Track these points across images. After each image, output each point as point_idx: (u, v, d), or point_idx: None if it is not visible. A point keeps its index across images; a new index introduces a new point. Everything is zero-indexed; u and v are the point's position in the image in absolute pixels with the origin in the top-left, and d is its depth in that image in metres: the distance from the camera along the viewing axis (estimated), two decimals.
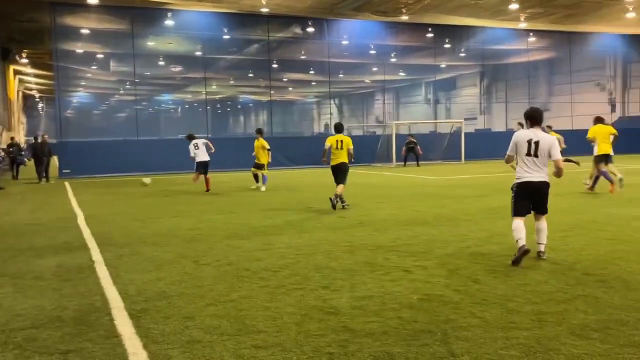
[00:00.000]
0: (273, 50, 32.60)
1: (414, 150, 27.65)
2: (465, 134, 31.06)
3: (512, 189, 6.97)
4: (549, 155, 6.69)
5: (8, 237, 9.26)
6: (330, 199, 11.80)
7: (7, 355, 4.09)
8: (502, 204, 12.12)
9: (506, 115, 42.71)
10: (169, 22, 28.23)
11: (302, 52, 36.02)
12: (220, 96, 52.78)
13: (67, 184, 20.58)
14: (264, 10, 26.56)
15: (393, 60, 37.09)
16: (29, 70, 42.45)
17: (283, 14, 28.31)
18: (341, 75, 41.38)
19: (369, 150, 29.97)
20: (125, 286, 5.97)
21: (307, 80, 46.93)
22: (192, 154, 16.21)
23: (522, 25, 31.73)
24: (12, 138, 30.75)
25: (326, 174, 23.33)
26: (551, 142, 6.72)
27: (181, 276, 6.38)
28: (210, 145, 16.45)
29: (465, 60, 39.08)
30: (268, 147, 16.72)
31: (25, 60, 37.84)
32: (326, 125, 56.15)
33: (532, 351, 3.98)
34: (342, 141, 11.92)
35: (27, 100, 62.20)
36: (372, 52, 34.92)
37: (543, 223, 6.84)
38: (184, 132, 19.17)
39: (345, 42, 32.88)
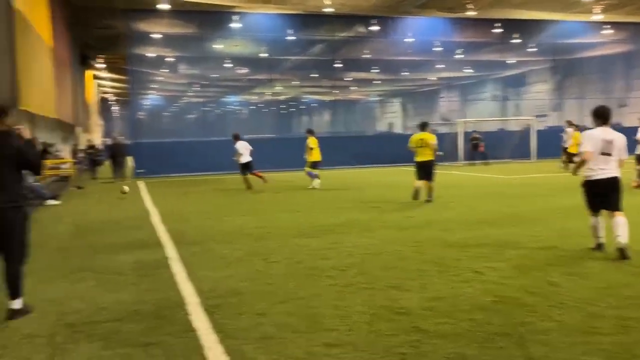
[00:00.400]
0: (337, 49, 32.72)
1: (477, 147, 27.02)
2: (537, 131, 30.09)
3: (582, 186, 6.94)
4: (621, 154, 6.76)
5: (89, 235, 9.73)
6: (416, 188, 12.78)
7: (93, 346, 4.32)
8: (575, 203, 11.64)
9: (579, 111, 41.08)
10: (235, 25, 28.84)
11: (366, 51, 35.94)
12: (284, 96, 53.47)
13: (141, 183, 21.41)
14: (328, 10, 26.69)
15: (459, 56, 36.42)
16: (105, 74, 44.46)
17: (347, 13, 28.35)
18: (405, 73, 41.08)
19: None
20: (199, 282, 6.16)
21: (371, 79, 46.81)
22: (240, 152, 16.90)
23: (597, 17, 30.40)
24: (90, 140, 32.32)
25: (389, 173, 23.33)
26: (624, 141, 6.80)
27: (252, 273, 6.52)
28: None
29: (535, 55, 37.84)
30: (311, 146, 17.03)
31: (101, 65, 39.66)
32: (390, 124, 55.87)
33: (617, 358, 3.83)
34: (425, 139, 12.79)
35: (104, 104, 65.06)
36: (437, 49, 34.40)
37: (620, 219, 6.66)
38: (249, 132, 19.60)
39: (409, 40, 32.57)
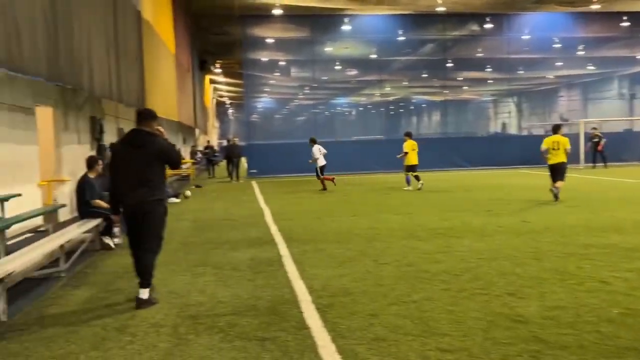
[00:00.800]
0: (448, 49, 32.00)
1: (597, 146, 25.10)
2: None
3: None
4: None
5: (207, 231, 10.24)
6: (551, 189, 13.03)
7: (213, 338, 4.53)
8: None
9: None
10: (345, 27, 29.09)
11: (479, 50, 34.82)
12: (393, 97, 53.08)
13: (254, 182, 22.20)
14: (440, 9, 26.19)
15: (580, 53, 34.24)
16: (221, 79, 46.61)
17: (460, 11, 27.66)
18: (521, 72, 39.27)
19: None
20: (311, 281, 6.27)
21: (484, 79, 45.26)
22: (316, 156, 17.63)
23: None
24: (208, 141, 34.06)
25: (502, 175, 22.46)
26: None
27: (363, 274, 6.54)
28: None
29: None
30: (406, 150, 17.05)
31: (218, 70, 41.59)
32: (503, 125, 53.79)
33: None
34: (558, 142, 12.94)
35: (220, 107, 68.23)
36: (557, 45, 32.60)
37: None
38: (358, 134, 19.73)
39: (526, 37, 31.14)
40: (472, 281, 6.06)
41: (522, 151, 27.83)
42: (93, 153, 13.37)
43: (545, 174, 13.95)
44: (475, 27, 30.20)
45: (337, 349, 4.23)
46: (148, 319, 5.06)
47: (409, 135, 17.49)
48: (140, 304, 5.42)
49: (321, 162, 17.77)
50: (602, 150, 25.09)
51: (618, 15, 29.28)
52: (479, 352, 4.09)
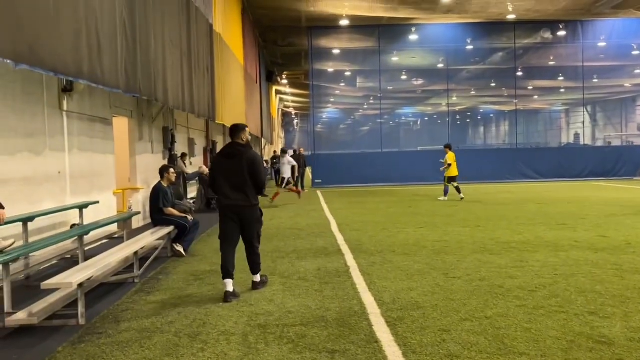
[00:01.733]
0: (518, 57, 31.10)
1: None
2: None
3: None
4: None
5: (275, 240, 10.32)
6: None
7: (283, 349, 4.52)
8: None
9: None
10: (412, 37, 28.84)
11: (551, 58, 33.70)
12: (460, 107, 52.17)
13: (319, 192, 22.29)
14: (511, 17, 25.54)
15: None
16: (287, 90, 47.21)
17: (531, 19, 26.88)
18: (595, 80, 37.72)
19: (630, 162, 26.92)
20: (380, 293, 6.18)
21: (555, 87, 43.75)
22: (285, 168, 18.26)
23: None
24: (274, 152, 34.56)
25: (576, 187, 21.56)
26: None
27: (433, 287, 6.39)
28: None
29: None
30: (449, 162, 17.36)
31: (284, 81, 42.17)
32: (576, 135, 51.76)
33: None
34: None
35: (285, 117, 69.15)
36: (635, 52, 31.11)
37: None
38: (423, 144, 19.52)
39: (602, 44, 29.88)
40: (548, 298, 5.80)
41: (597, 163, 26.70)
42: (165, 162, 13.80)
43: (622, 186, 13.26)
44: (547, 35, 29.21)
45: None
46: (219, 327, 5.11)
47: (449, 147, 17.81)
48: (256, 285, 6.59)
49: (287, 173, 17.88)
50: None
51: None
52: None
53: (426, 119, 58.59)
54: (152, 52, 9.58)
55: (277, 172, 28.83)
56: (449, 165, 17.36)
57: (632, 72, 36.68)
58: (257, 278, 6.64)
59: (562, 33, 28.83)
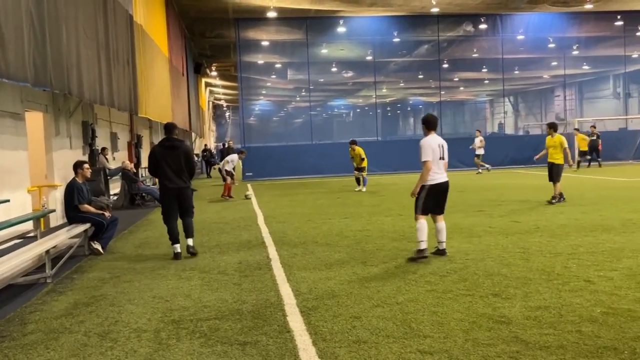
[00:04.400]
0: (443, 50, 32.00)
1: (596, 145, 24.97)
2: None
3: None
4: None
5: (199, 234, 10.13)
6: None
7: (194, 343, 4.52)
8: None
9: None
10: (340, 29, 29.11)
11: (474, 50, 34.84)
12: (390, 99, 53.18)
13: (249, 185, 22.17)
14: (435, 10, 26.21)
15: (575, 52, 34.27)
16: (217, 82, 46.57)
17: (454, 12, 27.69)
18: (516, 72, 39.35)
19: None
20: (298, 284, 6.26)
21: (479, 79, 45.34)
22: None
23: None
24: (205, 145, 34.12)
25: (497, 175, 22.49)
26: None
27: (350, 276, 6.53)
28: None
29: None
30: (363, 156, 17.98)
31: (214, 73, 41.58)
32: (500, 125, 53.81)
33: None
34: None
35: (216, 110, 68.21)
36: (551, 45, 32.63)
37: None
38: (355, 135, 19.75)
39: (520, 37, 31.17)
40: (458, 282, 6.06)
41: (516, 151, 27.86)
42: (85, 158, 13.37)
43: (538, 173, 13.93)
44: (469, 28, 30.19)
45: (318, 352, 4.22)
46: (131, 324, 5.04)
47: (354, 142, 18.32)
48: (193, 251, 8.11)
49: (229, 167, 17.49)
50: (600, 149, 24.98)
51: (611, 15, 29.34)
52: (459, 353, 4.08)
53: (358, 110, 59.33)
54: (64, 44, 9.25)
55: (208, 164, 28.64)
56: (363, 159, 17.92)
57: (549, 64, 38.43)
58: (192, 242, 8.21)
59: (483, 26, 29.86)
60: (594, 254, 7.19)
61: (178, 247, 8.05)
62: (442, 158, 7.34)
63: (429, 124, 7.43)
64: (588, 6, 26.23)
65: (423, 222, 7.28)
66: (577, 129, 25.75)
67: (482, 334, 4.45)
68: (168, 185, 8.08)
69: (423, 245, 7.22)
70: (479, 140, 24.54)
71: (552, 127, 13.12)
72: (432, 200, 7.29)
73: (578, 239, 8.27)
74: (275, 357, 4.17)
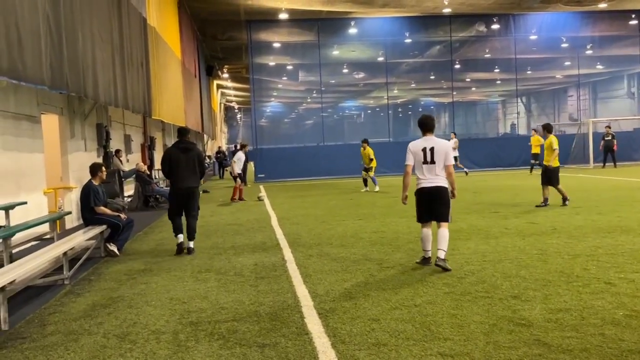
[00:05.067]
0: (455, 50, 31.87)
1: (611, 145, 24.60)
2: None
3: None
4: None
5: (213, 236, 10.24)
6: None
7: (213, 345, 4.51)
8: None
9: None
10: (352, 31, 29.10)
11: (486, 50, 34.67)
12: (401, 100, 53.00)
13: (262, 187, 22.21)
14: (447, 10, 26.12)
15: (589, 52, 33.99)
16: (229, 84, 46.69)
17: (466, 12, 27.57)
18: (529, 72, 39.07)
19: (561, 150, 28.00)
20: (315, 285, 6.24)
21: (492, 79, 45.10)
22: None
23: None
24: (219, 147, 34.34)
25: (511, 176, 22.34)
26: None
27: (366, 278, 6.50)
28: None
29: None
30: (371, 156, 18.24)
31: (226, 75, 41.69)
32: (512, 125, 53.51)
33: None
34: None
35: (228, 112, 68.39)
36: (565, 45, 32.38)
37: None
38: (367, 136, 19.71)
39: (533, 37, 31.00)
40: (476, 284, 6.01)
41: (530, 151, 27.66)
42: (99, 160, 13.45)
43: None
44: (482, 28, 30.04)
45: (337, 355, 4.19)
46: (149, 326, 5.05)
47: (366, 141, 18.70)
48: (190, 251, 8.50)
49: (238, 168, 17.42)
50: (616, 149, 24.58)
51: (626, 14, 29.08)
52: (480, 356, 4.04)
53: (369, 111, 59.25)
54: (80, 47, 9.30)
55: (221, 165, 28.79)
56: (371, 159, 18.16)
57: (563, 64, 38.17)
58: (192, 244, 8.61)
59: (495, 26, 29.72)
60: (613, 255, 7.11)
61: (181, 237, 8.59)
62: (429, 162, 6.84)
63: (421, 126, 7.07)
64: (602, 5, 26.03)
65: (423, 230, 7.03)
66: (534, 130, 24.55)
67: (503, 336, 4.41)
68: (180, 185, 8.60)
69: (426, 255, 6.99)
70: (452, 142, 23.47)
71: (546, 129, 12.88)
72: (421, 206, 6.97)
73: (596, 240, 8.18)
74: (294, 359, 4.15)
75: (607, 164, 24.97)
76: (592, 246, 7.75)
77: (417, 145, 6.95)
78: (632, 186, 16.44)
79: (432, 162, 6.84)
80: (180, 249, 8.44)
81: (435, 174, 6.86)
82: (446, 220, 6.92)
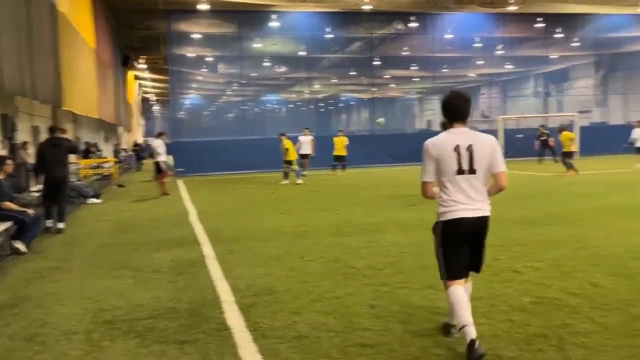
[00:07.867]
0: (375, 47, 32.47)
1: (547, 143, 25.62)
2: (580, 128, 29.21)
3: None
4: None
5: (129, 232, 9.91)
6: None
7: (129, 343, 4.37)
8: (623, 202, 11.34)
9: (624, 108, 39.75)
10: (273, 24, 28.97)
11: (405, 48, 35.55)
12: (323, 95, 53.36)
13: (180, 181, 21.71)
14: (366, 7, 26.52)
15: (500, 52, 35.64)
16: (146, 75, 45.23)
17: (385, 10, 28.13)
18: (445, 70, 40.45)
19: None
20: (235, 280, 6.18)
21: (410, 77, 46.27)
22: (159, 151, 17.03)
23: None
24: (136, 140, 33.23)
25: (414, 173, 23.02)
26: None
27: (288, 272, 6.51)
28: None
29: (578, 50, 36.70)
30: (287, 147, 19.28)
31: (142, 66, 40.37)
32: (428, 122, 55.26)
33: None
34: None
35: (145, 104, 66.27)
36: (478, 45, 33.79)
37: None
38: (288, 131, 19.83)
39: (449, 36, 32.10)
40: (394, 275, 6.16)
41: None
42: (4, 152, 12.67)
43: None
44: (400, 26, 30.78)
45: (259, 349, 4.18)
46: (60, 326, 4.82)
47: (284, 134, 19.84)
48: (59, 231, 9.73)
49: (162, 158, 16.73)
50: (553, 145, 25.17)
51: (533, 17, 30.67)
52: (398, 345, 4.15)
53: (291, 106, 59.24)
54: None
55: (138, 158, 27.92)
56: (287, 149, 19.02)
57: (475, 63, 39.79)
58: (62, 225, 9.87)
59: (413, 25, 30.51)
60: (522, 245, 7.51)
61: (50, 222, 9.92)
62: (466, 171, 4.10)
63: (449, 111, 4.36)
64: (512, 7, 27.33)
65: (453, 290, 4.12)
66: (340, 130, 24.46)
67: (419, 325, 4.55)
68: (53, 175, 9.94)
69: (468, 335, 3.85)
70: (309, 139, 22.02)
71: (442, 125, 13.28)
72: (455, 249, 4.23)
73: (505, 232, 8.52)
74: (214, 355, 4.10)
75: (545, 158, 25.39)
76: (502, 237, 8.10)
77: (442, 143, 4.22)
78: (537, 181, 17.41)
79: (472, 170, 4.11)
80: (47, 230, 9.72)
81: (477, 190, 4.14)
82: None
